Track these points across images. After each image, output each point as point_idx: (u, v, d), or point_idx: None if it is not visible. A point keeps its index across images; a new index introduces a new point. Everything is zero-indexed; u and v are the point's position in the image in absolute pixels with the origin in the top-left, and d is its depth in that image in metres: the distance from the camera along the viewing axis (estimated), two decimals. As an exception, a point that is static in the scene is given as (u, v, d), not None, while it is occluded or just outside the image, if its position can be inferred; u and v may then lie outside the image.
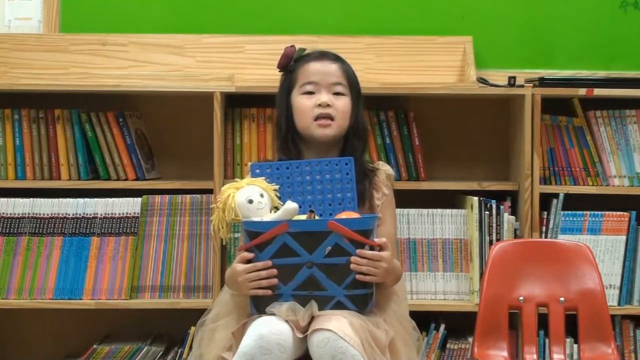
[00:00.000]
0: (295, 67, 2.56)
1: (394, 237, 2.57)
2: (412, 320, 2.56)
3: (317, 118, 2.51)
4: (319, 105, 2.51)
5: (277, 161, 2.52)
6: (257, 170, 2.46)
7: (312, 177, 2.46)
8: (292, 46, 2.59)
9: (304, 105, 2.53)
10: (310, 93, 2.53)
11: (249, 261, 2.33)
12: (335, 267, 2.29)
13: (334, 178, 2.46)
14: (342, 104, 2.53)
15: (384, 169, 2.60)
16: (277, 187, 2.42)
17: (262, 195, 2.36)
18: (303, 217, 2.37)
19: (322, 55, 2.57)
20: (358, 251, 2.30)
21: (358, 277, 2.30)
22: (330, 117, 2.51)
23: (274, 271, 2.30)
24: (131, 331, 3.25)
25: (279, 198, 2.41)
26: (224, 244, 2.96)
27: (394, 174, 2.64)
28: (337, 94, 2.53)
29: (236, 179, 2.42)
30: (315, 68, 2.54)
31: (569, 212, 3.07)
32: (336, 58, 2.58)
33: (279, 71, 2.60)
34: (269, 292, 2.30)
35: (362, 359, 2.21)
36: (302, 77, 2.55)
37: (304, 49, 2.60)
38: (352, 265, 2.29)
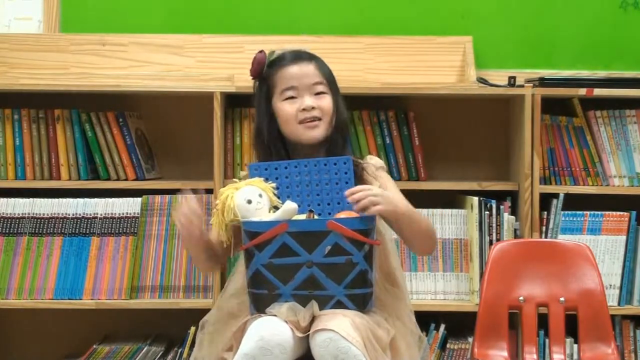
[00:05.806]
0: (270, 73, 2.49)
1: (403, 197, 2.47)
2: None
3: (302, 122, 2.48)
4: (303, 109, 2.48)
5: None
6: (255, 171, 2.45)
7: (310, 177, 2.45)
8: (262, 51, 2.50)
9: (287, 112, 2.47)
10: (292, 98, 2.49)
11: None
12: (334, 266, 2.29)
13: (332, 178, 2.45)
14: (326, 103, 2.48)
15: (372, 162, 2.55)
16: (274, 185, 2.41)
17: (260, 196, 2.36)
18: (302, 217, 2.37)
19: (297, 57, 2.49)
20: (348, 191, 2.29)
21: (360, 205, 2.27)
22: (316, 119, 2.49)
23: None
24: (131, 331, 3.25)
25: (278, 197, 2.41)
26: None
27: (384, 164, 2.57)
28: (319, 93, 2.50)
29: (235, 179, 2.41)
30: (292, 72, 2.47)
31: (569, 212, 3.07)
32: (311, 57, 2.51)
33: (252, 79, 2.52)
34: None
35: (364, 358, 2.21)
36: (280, 83, 2.48)
37: (274, 52, 2.52)
38: (349, 197, 2.27)
